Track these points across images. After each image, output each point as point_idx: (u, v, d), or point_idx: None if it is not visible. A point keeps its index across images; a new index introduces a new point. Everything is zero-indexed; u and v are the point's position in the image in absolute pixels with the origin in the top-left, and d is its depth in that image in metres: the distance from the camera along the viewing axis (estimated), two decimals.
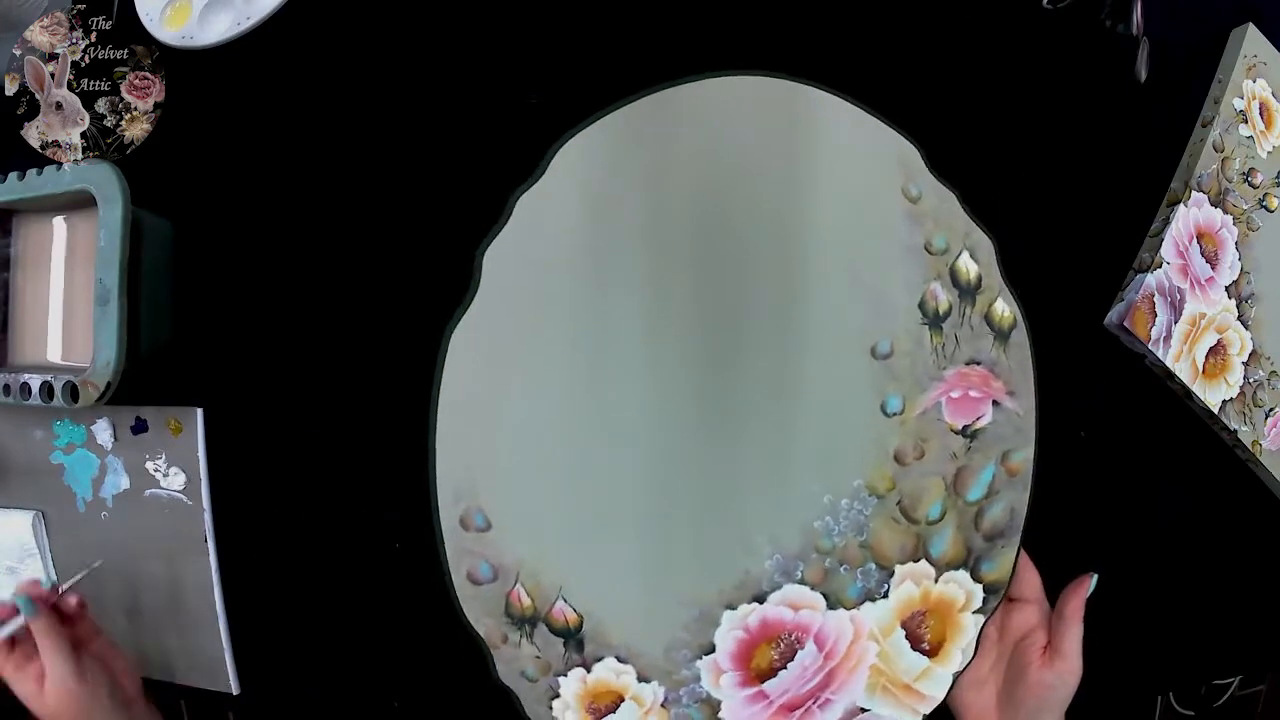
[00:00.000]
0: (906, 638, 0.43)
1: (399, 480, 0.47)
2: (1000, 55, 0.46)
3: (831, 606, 0.43)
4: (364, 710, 0.50)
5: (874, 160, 0.42)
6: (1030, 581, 0.44)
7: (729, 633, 0.43)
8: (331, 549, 0.50)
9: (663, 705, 0.43)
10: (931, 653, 0.43)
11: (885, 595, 0.43)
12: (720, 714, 0.43)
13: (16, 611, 0.44)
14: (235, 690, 0.51)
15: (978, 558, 0.43)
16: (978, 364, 0.42)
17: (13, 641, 0.44)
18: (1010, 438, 0.43)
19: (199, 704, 0.53)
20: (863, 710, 0.43)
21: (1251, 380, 0.48)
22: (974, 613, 0.43)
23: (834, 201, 0.42)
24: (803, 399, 0.42)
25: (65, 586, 0.46)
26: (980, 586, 0.43)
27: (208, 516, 0.50)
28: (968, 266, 0.42)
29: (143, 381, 0.48)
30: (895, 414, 0.42)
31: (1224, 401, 0.47)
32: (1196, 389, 0.46)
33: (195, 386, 0.51)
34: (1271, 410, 0.49)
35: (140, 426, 0.51)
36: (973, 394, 0.42)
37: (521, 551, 0.42)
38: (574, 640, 0.43)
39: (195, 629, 0.51)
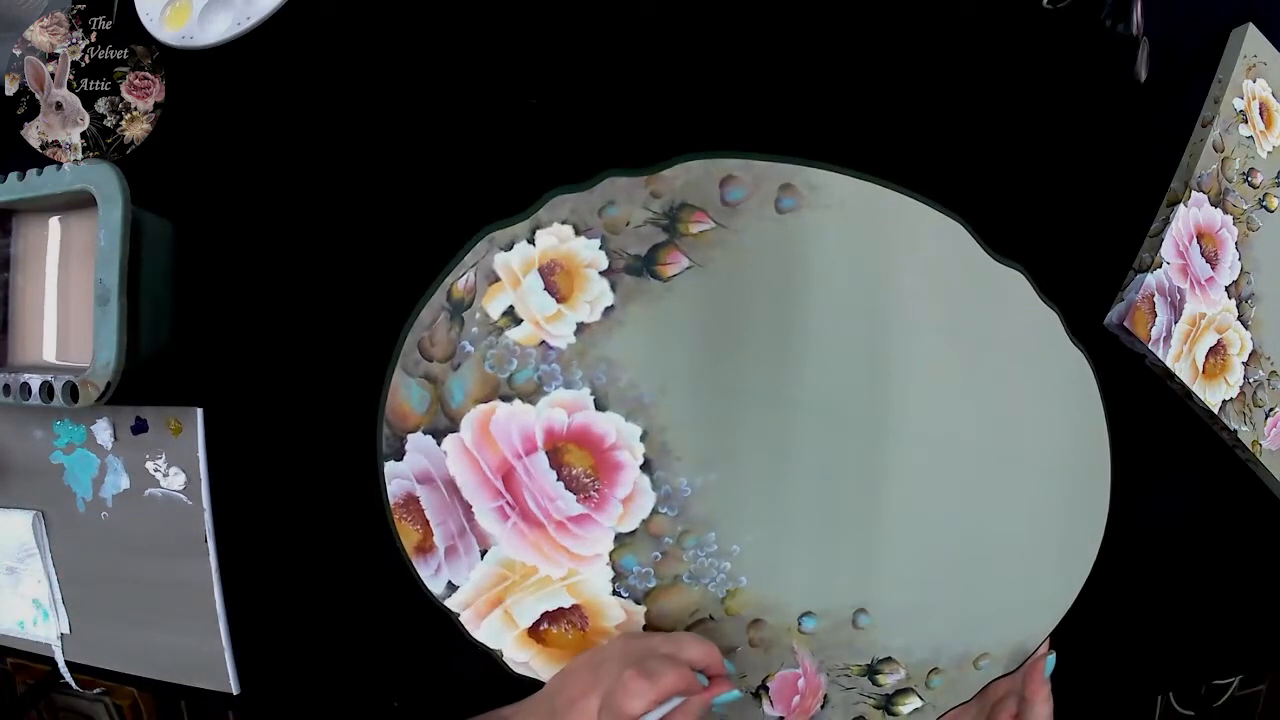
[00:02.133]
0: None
1: None
2: (1000, 55, 0.46)
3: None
4: (364, 710, 0.50)
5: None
6: None
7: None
8: (331, 549, 0.50)
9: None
10: None
11: None
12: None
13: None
14: (235, 690, 0.51)
15: None
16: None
17: None
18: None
19: (199, 704, 0.53)
20: None
21: (1251, 380, 0.48)
22: None
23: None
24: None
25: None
26: None
27: (208, 516, 0.50)
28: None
29: (143, 381, 0.48)
30: (809, 629, 0.45)
31: (1224, 401, 0.47)
32: (1196, 389, 0.46)
33: (195, 386, 0.51)
34: (1271, 410, 0.49)
35: (140, 426, 0.51)
36: (799, 684, 0.45)
37: None
38: None
39: (195, 629, 0.51)
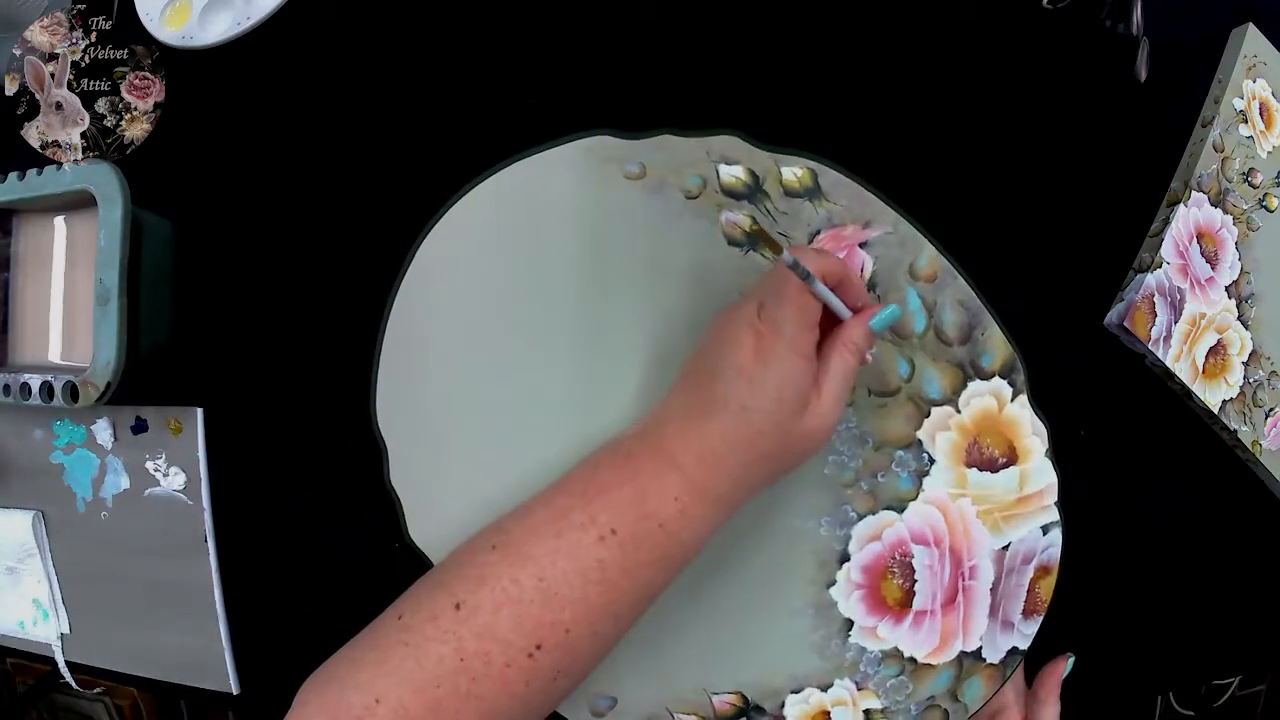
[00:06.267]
0: (980, 470, 0.43)
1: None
2: (1000, 55, 0.46)
3: (901, 510, 0.43)
4: None
5: (585, 182, 0.44)
6: None
7: (849, 600, 0.44)
8: (331, 548, 0.50)
9: (860, 688, 0.44)
10: (1010, 460, 0.43)
11: (932, 461, 0.43)
12: (906, 655, 0.44)
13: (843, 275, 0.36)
14: (235, 690, 0.51)
15: (971, 362, 0.43)
16: (819, 232, 0.43)
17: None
18: (903, 255, 0.43)
19: (199, 704, 0.53)
20: (1004, 548, 0.43)
21: (1251, 380, 0.48)
22: (1012, 401, 0.43)
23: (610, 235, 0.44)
24: None
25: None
26: (997, 378, 0.43)
27: (208, 516, 0.50)
28: (730, 174, 0.43)
29: (143, 381, 0.48)
30: None
31: (1224, 401, 0.47)
32: (1196, 389, 0.46)
33: (195, 386, 0.51)
34: (1271, 410, 0.49)
35: (140, 426, 0.51)
36: (840, 255, 0.43)
37: (652, 695, 0.45)
38: (753, 711, 0.44)
39: (195, 629, 0.51)
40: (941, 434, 0.43)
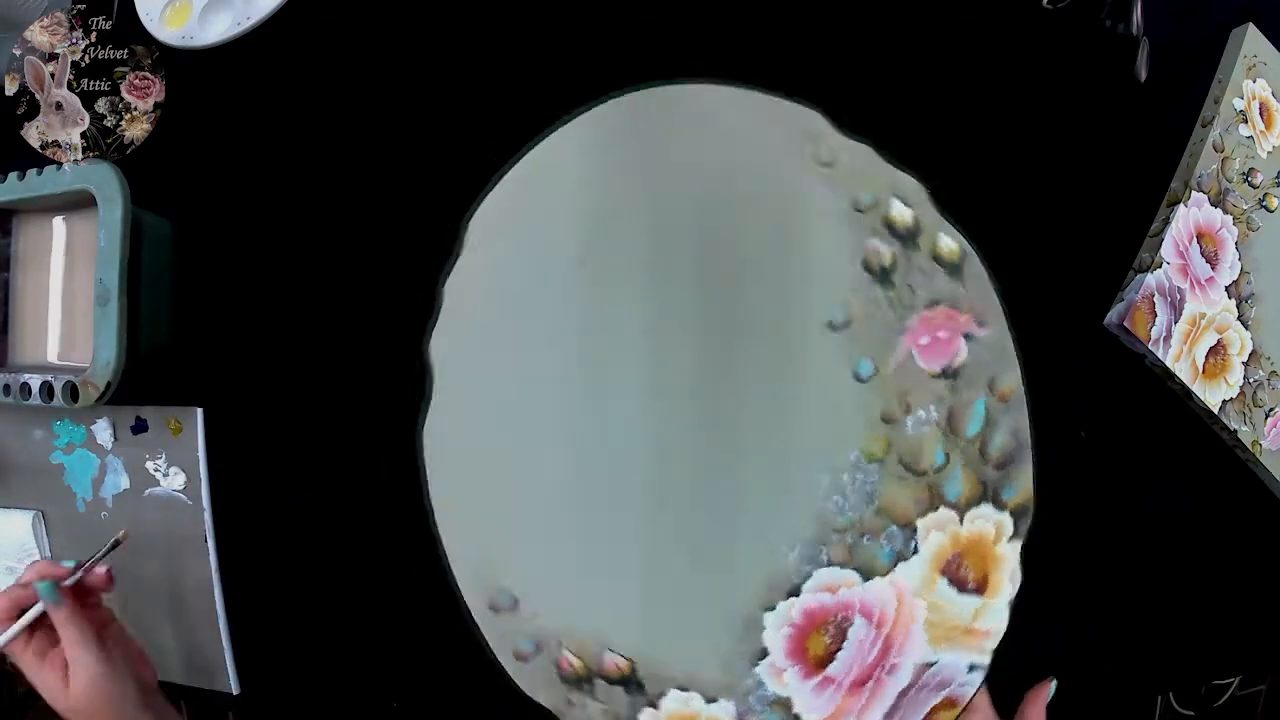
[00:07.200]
0: (950, 584, 0.43)
1: (398, 479, 0.47)
2: (1000, 55, 0.46)
3: (866, 578, 0.43)
4: (364, 710, 0.50)
5: (774, 138, 0.43)
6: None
7: (777, 633, 0.43)
8: (332, 548, 0.50)
9: (739, 718, 0.43)
10: (979, 589, 0.43)
11: (915, 551, 0.43)
12: (795, 710, 0.43)
13: (34, 599, 0.41)
14: (235, 690, 0.51)
15: (995, 488, 0.43)
16: (938, 304, 0.43)
17: (31, 629, 0.41)
18: (992, 365, 0.43)
19: (199, 704, 0.53)
20: (930, 664, 0.43)
21: (1251, 380, 0.48)
22: (1009, 540, 0.43)
23: (747, 190, 0.43)
24: (773, 388, 0.43)
25: (89, 564, 0.43)
26: (1007, 514, 0.43)
27: (208, 516, 0.50)
28: (900, 213, 0.43)
29: (143, 381, 0.48)
30: (870, 377, 0.43)
31: (1224, 401, 0.47)
32: (1196, 389, 0.46)
33: (195, 386, 0.51)
34: (1271, 410, 0.49)
35: (140, 426, 0.51)
36: (941, 335, 0.43)
37: (554, 618, 0.44)
38: (634, 684, 0.43)
39: (195, 629, 0.51)
40: (936, 533, 0.43)
